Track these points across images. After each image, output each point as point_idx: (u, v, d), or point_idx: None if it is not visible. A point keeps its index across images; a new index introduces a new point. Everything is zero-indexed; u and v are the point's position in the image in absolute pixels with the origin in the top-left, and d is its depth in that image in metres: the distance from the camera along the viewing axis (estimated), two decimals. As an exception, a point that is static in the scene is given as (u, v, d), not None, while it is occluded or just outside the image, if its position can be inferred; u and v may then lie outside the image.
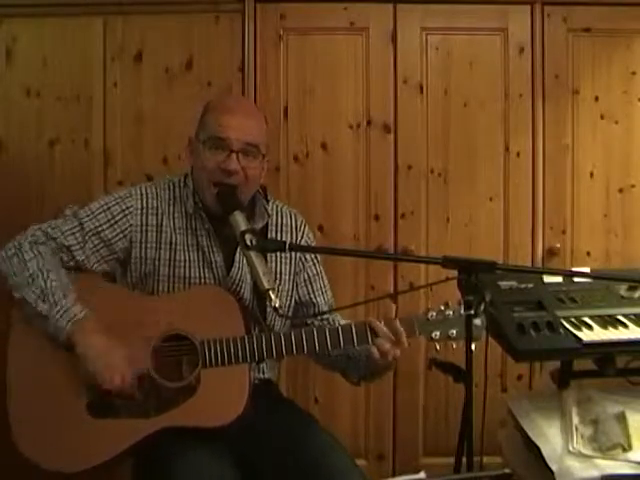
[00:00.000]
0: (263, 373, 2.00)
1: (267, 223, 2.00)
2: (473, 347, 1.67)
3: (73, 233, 1.86)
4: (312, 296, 2.04)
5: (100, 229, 1.87)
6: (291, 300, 2.02)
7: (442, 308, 1.81)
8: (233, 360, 1.77)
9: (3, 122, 2.83)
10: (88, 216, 1.88)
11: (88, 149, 2.84)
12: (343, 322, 1.97)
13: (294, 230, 2.05)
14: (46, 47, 2.82)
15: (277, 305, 1.75)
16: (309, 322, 2.02)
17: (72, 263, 1.86)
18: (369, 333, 1.80)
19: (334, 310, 2.05)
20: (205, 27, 2.84)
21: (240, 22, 2.83)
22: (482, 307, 1.61)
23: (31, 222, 1.90)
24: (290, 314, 2.01)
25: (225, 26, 2.84)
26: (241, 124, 1.88)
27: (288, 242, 1.79)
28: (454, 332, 1.78)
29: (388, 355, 1.78)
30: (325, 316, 2.01)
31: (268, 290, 1.74)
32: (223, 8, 2.84)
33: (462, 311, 1.72)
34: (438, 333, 1.79)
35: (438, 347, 1.81)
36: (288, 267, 2.01)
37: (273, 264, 1.97)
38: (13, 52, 2.82)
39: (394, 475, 2.82)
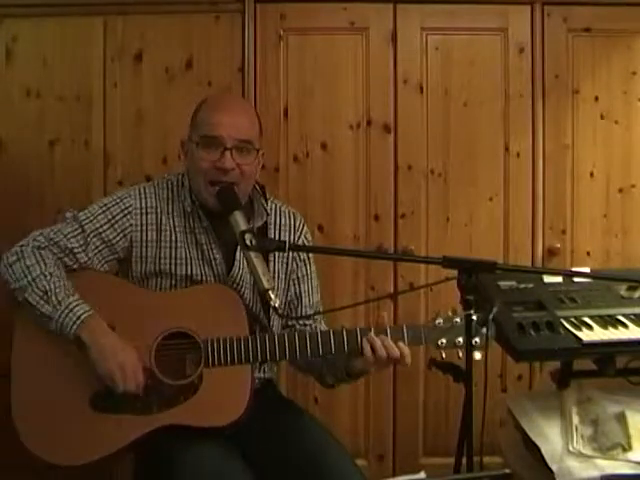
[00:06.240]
0: (264, 373, 2.00)
1: (266, 222, 1.99)
2: (479, 357, 1.67)
3: (75, 236, 1.85)
4: (298, 297, 2.03)
5: (101, 230, 1.87)
6: (285, 299, 2.02)
7: (450, 314, 1.79)
8: (236, 360, 1.77)
9: (3, 122, 2.82)
10: (88, 218, 1.88)
11: (88, 149, 2.83)
12: (325, 327, 1.98)
13: (293, 230, 2.04)
14: (46, 47, 2.82)
15: (277, 305, 1.76)
16: (290, 324, 2.02)
17: (76, 266, 1.86)
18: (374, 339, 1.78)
19: (321, 312, 2.06)
20: (205, 27, 2.84)
21: (240, 22, 2.83)
22: (491, 316, 1.61)
23: (31, 222, 1.90)
24: (286, 313, 2.00)
25: (225, 26, 2.84)
26: (232, 121, 1.88)
27: (287, 242, 1.79)
28: (461, 340, 1.76)
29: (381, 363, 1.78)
30: (309, 321, 2.01)
31: (268, 290, 1.75)
32: (223, 8, 2.84)
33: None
34: (445, 341, 1.78)
35: (444, 355, 1.80)
36: (284, 267, 2.00)
37: (270, 263, 1.96)
38: (13, 52, 2.82)
39: (394, 475, 2.81)
